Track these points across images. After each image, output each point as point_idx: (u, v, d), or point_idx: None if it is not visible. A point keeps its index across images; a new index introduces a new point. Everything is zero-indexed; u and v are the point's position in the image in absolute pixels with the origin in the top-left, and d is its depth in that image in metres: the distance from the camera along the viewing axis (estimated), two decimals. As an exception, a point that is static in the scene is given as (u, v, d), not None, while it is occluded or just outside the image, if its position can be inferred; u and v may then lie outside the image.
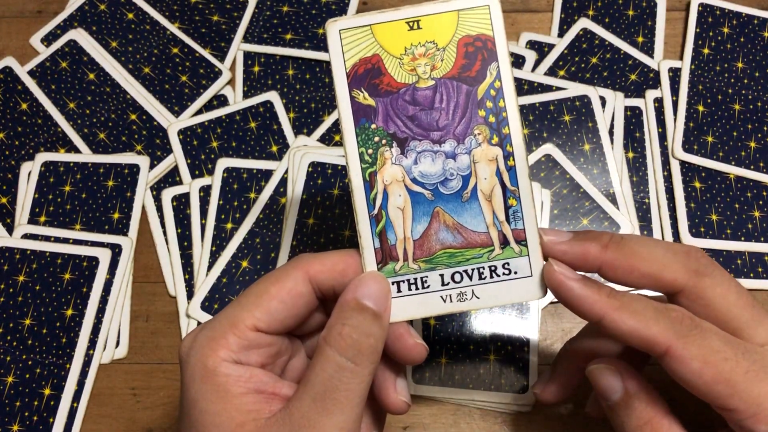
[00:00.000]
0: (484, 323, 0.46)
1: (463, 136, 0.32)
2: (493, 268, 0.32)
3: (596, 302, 0.30)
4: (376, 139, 0.32)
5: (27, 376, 0.45)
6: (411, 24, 0.32)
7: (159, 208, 0.50)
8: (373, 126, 0.32)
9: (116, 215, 0.50)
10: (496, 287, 0.32)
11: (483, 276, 0.32)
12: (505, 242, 0.32)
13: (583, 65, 0.53)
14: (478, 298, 0.32)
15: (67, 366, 0.45)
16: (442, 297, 0.32)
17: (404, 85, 0.32)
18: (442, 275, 0.32)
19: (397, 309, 0.32)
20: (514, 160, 0.32)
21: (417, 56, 0.32)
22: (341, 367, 0.29)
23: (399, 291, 0.32)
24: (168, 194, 0.50)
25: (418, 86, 0.32)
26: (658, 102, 0.52)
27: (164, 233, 0.50)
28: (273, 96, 0.53)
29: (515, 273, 0.32)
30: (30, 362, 0.45)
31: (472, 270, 0.32)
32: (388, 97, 0.32)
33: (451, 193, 0.32)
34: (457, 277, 0.32)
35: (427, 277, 0.32)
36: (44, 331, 0.46)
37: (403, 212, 0.32)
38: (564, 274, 0.31)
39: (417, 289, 0.32)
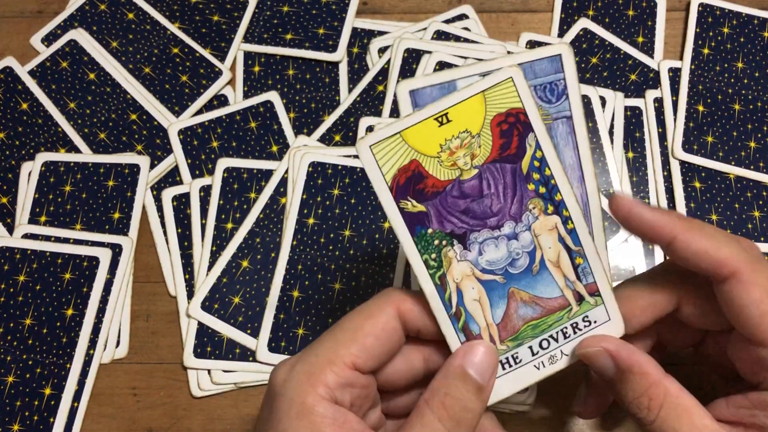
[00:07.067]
0: (484, 323, 0.46)
1: (519, 214, 0.32)
2: (575, 325, 0.33)
3: (667, 224, 0.31)
4: (436, 242, 0.32)
5: (27, 375, 0.45)
6: (440, 119, 0.31)
7: (159, 208, 0.50)
8: (430, 231, 0.32)
9: (116, 215, 0.50)
10: (580, 340, 0.33)
11: (567, 335, 0.33)
12: (580, 299, 0.33)
13: (583, 65, 0.53)
14: (566, 355, 0.33)
15: (68, 366, 0.45)
16: (535, 366, 0.33)
17: (449, 182, 0.32)
18: (530, 347, 0.33)
19: (497, 389, 0.32)
20: (572, 222, 0.32)
21: (454, 150, 0.31)
22: None
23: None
24: (168, 194, 0.50)
25: (462, 179, 0.32)
26: (658, 102, 0.52)
27: (164, 233, 0.50)
28: (273, 96, 0.53)
29: (595, 322, 0.33)
30: (30, 362, 0.45)
31: (557, 333, 0.33)
32: (436, 198, 0.32)
33: (520, 271, 0.32)
34: (545, 344, 0.33)
35: (517, 353, 0.33)
36: (44, 330, 0.46)
37: (480, 302, 0.32)
38: (631, 202, 0.32)
39: (510, 366, 0.33)
